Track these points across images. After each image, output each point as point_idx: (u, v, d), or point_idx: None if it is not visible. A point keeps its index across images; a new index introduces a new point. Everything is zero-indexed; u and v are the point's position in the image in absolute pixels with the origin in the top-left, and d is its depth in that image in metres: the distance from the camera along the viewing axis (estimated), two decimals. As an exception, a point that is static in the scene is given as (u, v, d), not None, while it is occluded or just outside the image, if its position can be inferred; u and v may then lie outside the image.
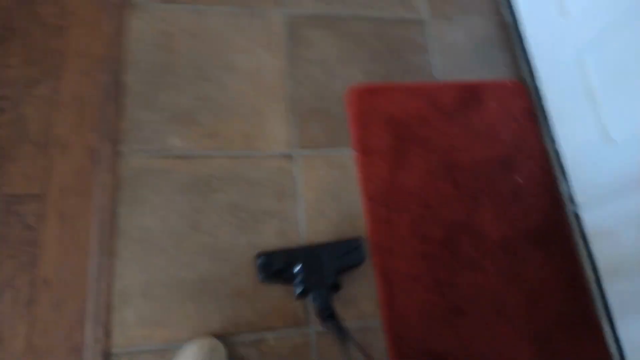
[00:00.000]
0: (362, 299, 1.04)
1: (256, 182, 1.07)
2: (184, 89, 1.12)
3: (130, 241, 0.97)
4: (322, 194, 1.10)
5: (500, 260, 1.13)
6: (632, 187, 1.01)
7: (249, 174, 1.08)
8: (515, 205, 1.19)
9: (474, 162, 1.21)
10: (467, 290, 1.09)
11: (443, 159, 1.19)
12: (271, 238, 1.03)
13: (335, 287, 1.00)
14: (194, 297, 0.96)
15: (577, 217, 1.21)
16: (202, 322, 0.94)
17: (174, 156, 1.06)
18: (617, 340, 1.10)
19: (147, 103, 1.09)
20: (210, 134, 1.09)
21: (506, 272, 1.13)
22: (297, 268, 0.96)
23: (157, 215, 1.00)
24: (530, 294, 1.12)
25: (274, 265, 0.97)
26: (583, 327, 1.12)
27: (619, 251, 1.08)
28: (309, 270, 0.96)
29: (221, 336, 0.94)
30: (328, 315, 0.91)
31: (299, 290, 0.96)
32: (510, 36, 1.39)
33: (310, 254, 0.99)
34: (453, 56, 1.32)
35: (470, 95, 1.27)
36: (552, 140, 1.25)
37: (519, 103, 1.28)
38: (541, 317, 1.10)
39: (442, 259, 1.10)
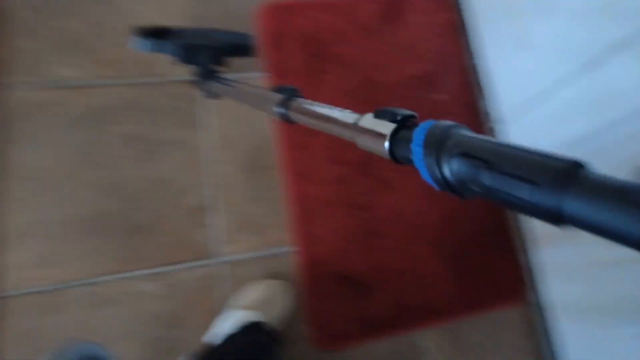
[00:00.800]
0: (271, 228, 1.01)
1: (156, 110, 1.01)
2: (74, 13, 1.02)
3: (20, 180, 0.93)
4: (229, 121, 1.04)
5: (418, 181, 1.10)
6: (544, 94, 0.96)
7: (148, 102, 1.01)
8: (438, 124, 1.15)
9: (394, 80, 1.14)
10: (384, 213, 1.07)
11: (362, 77, 1.13)
12: (172, 169, 0.99)
13: (217, 58, 0.92)
14: (91, 234, 0.93)
15: (493, 132, 1.17)
16: (101, 259, 0.92)
17: (65, 87, 0.98)
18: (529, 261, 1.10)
19: (32, 30, 1.00)
20: (105, 61, 1.01)
21: (423, 193, 1.10)
22: (182, 34, 0.90)
23: (49, 151, 0.95)
24: (447, 214, 1.10)
25: (153, 32, 0.88)
26: (498, 246, 1.11)
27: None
28: (193, 37, 0.90)
29: (122, 272, 0.92)
30: (207, 75, 0.87)
31: (180, 53, 0.88)
32: (441, -57, 1.28)
33: (195, 29, 0.93)
34: (375, -34, 1.22)
35: (391, 8, 1.18)
36: (473, 55, 1.19)
37: (442, 16, 1.20)
38: (458, 237, 1.09)
39: (358, 182, 1.07)
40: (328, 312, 0.98)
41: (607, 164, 0.85)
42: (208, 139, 1.02)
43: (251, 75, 1.08)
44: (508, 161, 0.28)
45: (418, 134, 0.34)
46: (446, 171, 0.32)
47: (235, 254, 0.98)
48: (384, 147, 0.37)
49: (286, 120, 0.54)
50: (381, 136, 0.37)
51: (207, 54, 0.90)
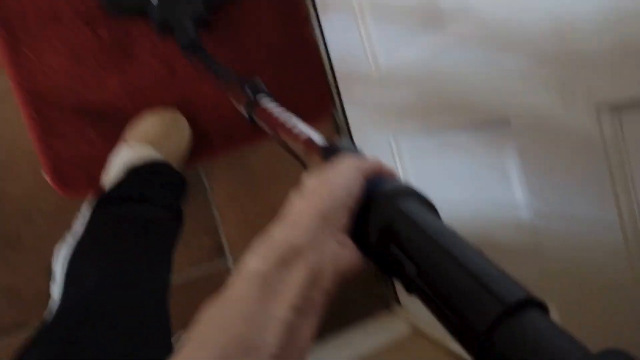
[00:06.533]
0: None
1: None
2: None
3: None
4: None
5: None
6: None
7: None
8: None
9: None
10: (134, 28, 0.83)
11: None
12: None
13: (203, 22, 0.81)
14: None
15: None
16: None
17: None
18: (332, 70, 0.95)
19: None
20: None
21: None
22: None
23: None
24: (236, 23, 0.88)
25: None
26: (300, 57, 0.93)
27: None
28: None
29: None
30: (193, 49, 0.76)
31: (157, 22, 0.78)
32: None
33: None
34: None
35: None
36: None
37: None
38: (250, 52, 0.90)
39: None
40: (70, 155, 0.81)
41: None
42: None
43: None
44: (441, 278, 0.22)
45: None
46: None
47: None
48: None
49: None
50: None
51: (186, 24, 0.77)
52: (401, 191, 0.27)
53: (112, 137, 0.82)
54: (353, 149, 0.33)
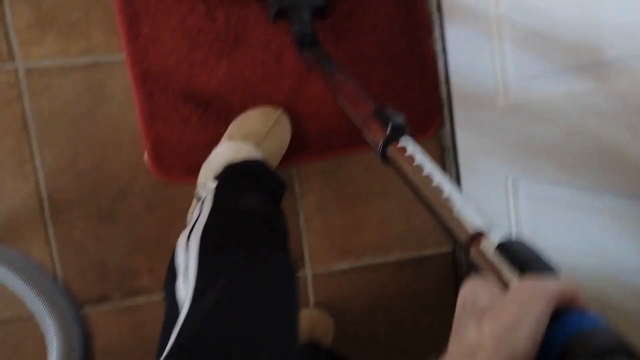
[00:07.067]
0: (92, 27, 0.76)
1: None
2: None
3: None
4: None
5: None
6: None
7: None
8: None
9: None
10: (250, 15, 0.80)
11: None
12: None
13: (322, 10, 0.77)
14: None
15: None
16: None
17: None
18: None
19: None
20: None
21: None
22: None
23: None
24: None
25: None
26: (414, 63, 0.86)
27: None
28: None
29: None
30: (308, 42, 0.72)
31: (273, 10, 0.74)
32: None
33: None
34: None
35: None
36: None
37: None
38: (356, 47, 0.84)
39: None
40: (172, 139, 0.80)
41: None
42: None
43: None
44: None
45: (557, 334, 0.21)
46: None
47: (36, 59, 0.75)
48: None
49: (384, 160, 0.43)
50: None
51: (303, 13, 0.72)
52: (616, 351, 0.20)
53: (214, 127, 0.80)
54: (536, 255, 0.26)
